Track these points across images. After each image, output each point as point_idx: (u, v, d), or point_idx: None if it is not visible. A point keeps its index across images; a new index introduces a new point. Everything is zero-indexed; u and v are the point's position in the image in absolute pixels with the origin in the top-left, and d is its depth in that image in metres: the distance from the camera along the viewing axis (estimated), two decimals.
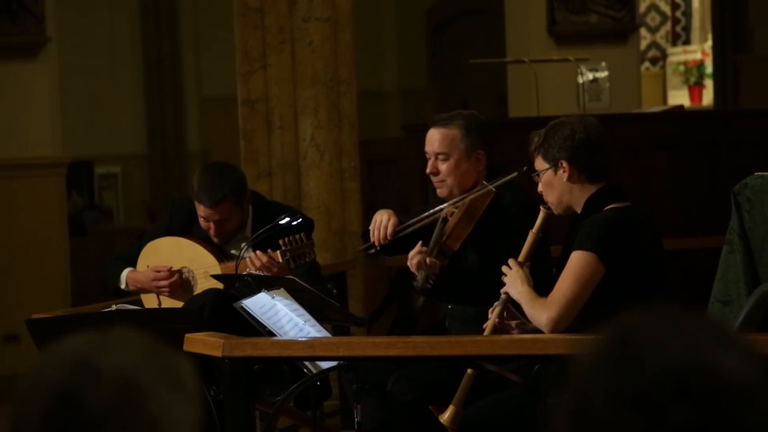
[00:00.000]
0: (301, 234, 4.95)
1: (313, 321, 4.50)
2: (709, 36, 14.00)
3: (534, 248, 4.22)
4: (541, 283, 4.17)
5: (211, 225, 5.10)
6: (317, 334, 4.44)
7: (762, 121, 7.37)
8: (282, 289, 4.58)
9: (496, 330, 4.21)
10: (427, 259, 4.47)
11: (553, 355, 3.85)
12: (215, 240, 5.17)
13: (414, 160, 7.47)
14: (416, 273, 4.50)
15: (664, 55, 15.78)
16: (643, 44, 14.98)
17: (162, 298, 5.24)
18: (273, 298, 4.52)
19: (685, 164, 7.11)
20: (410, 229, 4.65)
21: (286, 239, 4.93)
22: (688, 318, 1.40)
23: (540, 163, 4.26)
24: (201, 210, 5.10)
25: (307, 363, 4.42)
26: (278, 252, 4.94)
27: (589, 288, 4.07)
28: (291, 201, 6.89)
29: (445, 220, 4.59)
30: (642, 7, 14.69)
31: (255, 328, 4.46)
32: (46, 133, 8.37)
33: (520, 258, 4.20)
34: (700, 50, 15.29)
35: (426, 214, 4.65)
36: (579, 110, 7.96)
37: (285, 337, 4.37)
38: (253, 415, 4.31)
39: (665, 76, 15.62)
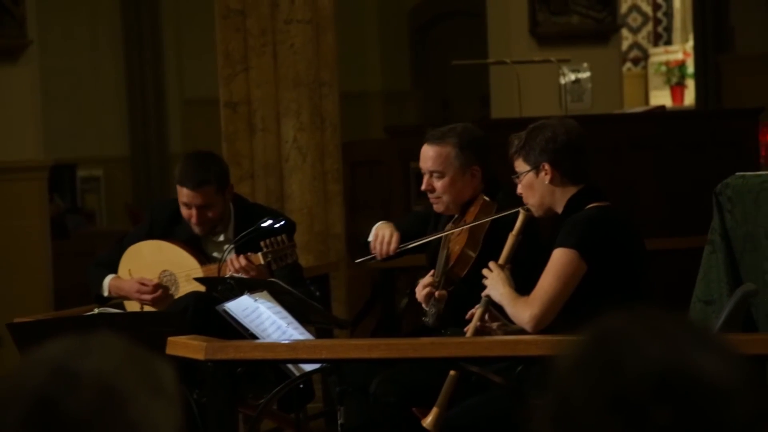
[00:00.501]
0: (283, 236, 4.95)
1: (296, 323, 4.49)
2: (691, 36, 14.04)
3: (514, 250, 4.22)
4: (530, 284, 4.16)
5: (193, 212, 5.09)
6: (300, 337, 4.44)
7: (743, 121, 7.39)
8: (265, 292, 4.57)
9: (478, 333, 4.21)
10: (436, 293, 4.44)
11: (535, 356, 3.86)
12: (197, 230, 5.15)
13: (396, 162, 7.49)
14: (426, 308, 4.46)
15: (645, 56, 15.82)
16: (625, 45, 15.01)
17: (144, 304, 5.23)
18: (255, 300, 4.52)
19: (667, 164, 7.13)
20: (414, 245, 4.65)
21: (268, 241, 4.92)
22: (668, 319, 1.40)
23: (520, 166, 4.27)
24: (183, 195, 5.10)
25: (290, 365, 4.42)
26: (260, 254, 4.93)
27: (571, 285, 4.08)
28: (274, 203, 6.88)
29: (447, 241, 4.53)
30: (623, 7, 14.72)
31: (237, 331, 4.45)
32: (28, 137, 8.35)
33: (501, 260, 4.21)
34: (681, 50, 15.33)
35: (429, 236, 4.63)
36: (561, 111, 7.97)
37: (268, 340, 4.37)
38: (237, 418, 4.31)
39: (647, 76, 15.66)
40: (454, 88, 14.00)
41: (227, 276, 4.87)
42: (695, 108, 13.12)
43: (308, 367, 4.32)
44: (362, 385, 4.47)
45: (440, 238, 4.57)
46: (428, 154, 4.68)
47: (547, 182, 4.22)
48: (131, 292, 5.19)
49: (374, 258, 4.72)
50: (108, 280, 5.24)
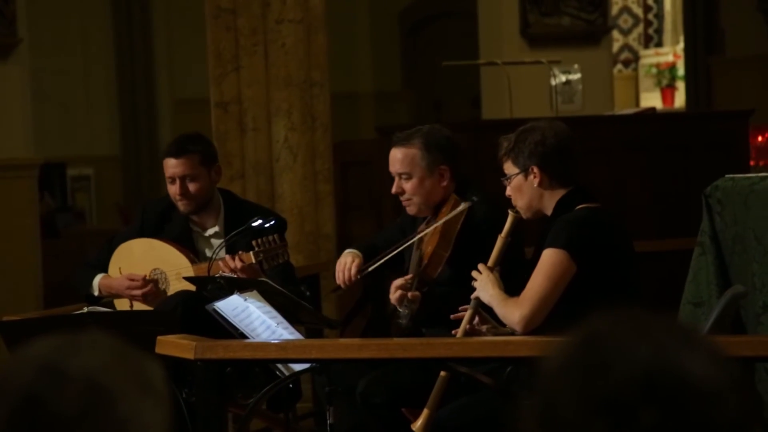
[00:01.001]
0: (274, 235, 4.95)
1: (285, 323, 4.49)
2: (681, 38, 14.06)
3: (503, 253, 4.23)
4: (516, 287, 4.17)
5: (177, 186, 5.11)
6: (290, 337, 4.44)
7: (733, 123, 7.40)
8: (254, 291, 4.57)
9: (468, 335, 4.22)
10: (409, 294, 4.45)
11: (525, 357, 3.86)
12: (182, 207, 5.16)
13: (387, 163, 7.47)
14: (399, 309, 4.47)
15: (636, 58, 15.83)
16: (616, 46, 15.03)
17: (134, 302, 5.23)
18: (245, 300, 4.52)
19: (657, 166, 7.14)
20: (374, 267, 4.65)
21: (259, 240, 4.93)
22: (656, 321, 1.40)
23: (509, 168, 4.27)
24: (168, 167, 5.16)
25: (279, 365, 4.42)
26: (251, 253, 4.93)
27: (561, 285, 4.08)
28: (264, 203, 6.87)
29: (420, 243, 4.56)
30: (614, 9, 14.74)
31: (227, 330, 4.45)
32: (18, 135, 8.34)
33: (490, 263, 4.21)
34: (672, 52, 15.35)
35: (393, 247, 4.64)
36: (552, 112, 7.98)
37: (257, 340, 4.37)
38: (226, 418, 4.31)
39: (637, 78, 15.68)
40: (445, 89, 14.01)
41: (217, 275, 4.86)
42: (685, 110, 13.15)
43: (298, 367, 4.32)
44: (352, 385, 4.47)
45: (409, 248, 4.58)
46: (396, 157, 4.72)
47: (536, 185, 4.22)
48: (121, 289, 5.19)
49: (340, 288, 4.77)
50: (98, 279, 5.24)
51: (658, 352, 1.36)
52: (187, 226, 5.25)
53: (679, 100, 14.82)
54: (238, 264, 4.90)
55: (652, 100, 14.95)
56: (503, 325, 4.25)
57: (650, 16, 15.89)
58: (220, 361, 4.04)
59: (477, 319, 4.24)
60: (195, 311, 4.73)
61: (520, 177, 4.24)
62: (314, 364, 4.15)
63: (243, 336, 4.41)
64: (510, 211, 4.25)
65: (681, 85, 14.56)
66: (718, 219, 4.84)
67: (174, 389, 4.42)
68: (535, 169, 4.21)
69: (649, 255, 6.15)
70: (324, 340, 5.57)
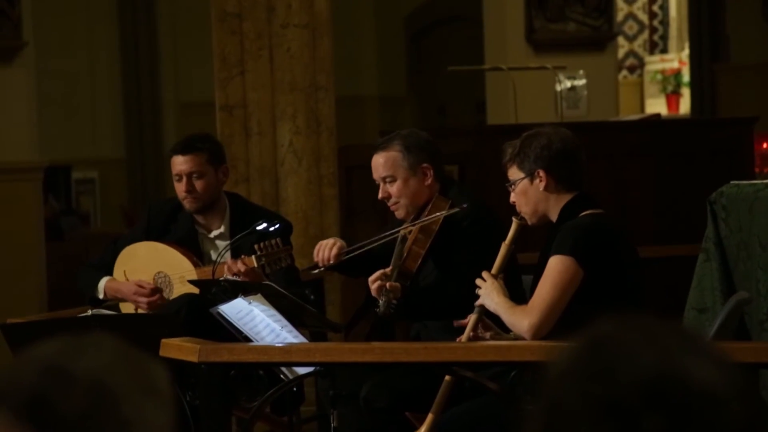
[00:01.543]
0: (277, 239, 4.96)
1: (290, 327, 4.49)
2: (687, 45, 14.05)
3: (508, 260, 4.23)
4: (512, 295, 4.18)
5: (184, 183, 5.12)
6: (294, 340, 4.44)
7: (738, 129, 7.40)
8: (259, 295, 4.57)
9: (471, 341, 4.21)
10: (388, 284, 4.47)
11: (529, 362, 3.86)
12: (188, 206, 5.17)
13: None
14: (378, 299, 4.49)
15: (641, 64, 15.83)
16: (621, 53, 15.02)
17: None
18: (250, 303, 4.52)
19: (662, 172, 7.14)
20: (356, 252, 4.66)
21: (262, 244, 4.93)
22: (661, 326, 1.40)
23: (514, 173, 4.27)
24: (175, 164, 5.17)
25: (283, 368, 4.42)
26: (253, 257, 4.94)
27: (568, 292, 4.08)
28: (269, 207, 6.87)
29: (404, 239, 4.59)
30: (620, 15, 14.74)
31: (231, 333, 4.45)
32: (23, 138, 8.34)
33: (494, 270, 4.20)
34: (677, 59, 15.35)
35: (375, 237, 4.67)
36: (557, 118, 7.98)
37: (262, 343, 4.37)
38: (230, 421, 4.31)
39: (642, 84, 15.68)
40: (449, 94, 14.01)
41: (221, 278, 4.87)
42: (690, 116, 13.13)
43: (302, 371, 4.32)
44: (356, 389, 4.48)
45: (390, 243, 4.61)
46: (378, 162, 4.77)
47: (541, 189, 4.22)
48: (128, 294, 5.19)
49: (316, 265, 4.75)
50: (104, 282, 5.24)
51: (664, 358, 1.36)
52: (193, 228, 5.25)
53: (684, 106, 14.81)
54: (241, 268, 4.90)
55: (657, 106, 14.95)
56: (506, 331, 4.25)
57: (655, 23, 15.89)
58: (224, 364, 4.04)
59: (480, 325, 4.23)
60: (199, 314, 4.73)
61: (526, 182, 4.24)
62: (318, 368, 4.15)
63: (247, 339, 4.41)
64: (514, 218, 4.24)
65: (686, 92, 14.55)
66: (722, 225, 4.84)
67: (178, 392, 4.42)
68: (541, 173, 4.20)
69: (653, 261, 6.14)
70: (328, 343, 5.57)
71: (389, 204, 4.75)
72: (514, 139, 4.34)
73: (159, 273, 5.21)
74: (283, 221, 5.20)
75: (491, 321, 4.25)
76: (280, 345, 4.31)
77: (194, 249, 5.22)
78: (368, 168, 7.94)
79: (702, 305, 4.82)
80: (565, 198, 4.22)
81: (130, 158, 14.68)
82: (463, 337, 4.22)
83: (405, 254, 4.56)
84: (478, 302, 4.19)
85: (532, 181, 4.23)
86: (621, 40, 14.92)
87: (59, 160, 12.40)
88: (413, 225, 4.62)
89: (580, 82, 8.84)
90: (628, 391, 1.34)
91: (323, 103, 7.20)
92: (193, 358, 4.04)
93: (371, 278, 4.51)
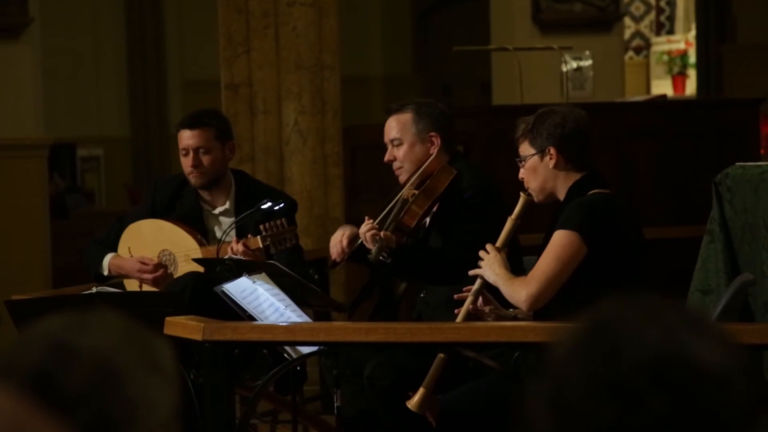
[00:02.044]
0: (282, 219, 4.96)
1: (294, 306, 4.50)
2: (693, 26, 14.02)
3: (512, 234, 4.24)
4: (513, 270, 4.19)
5: (190, 158, 5.12)
6: (298, 319, 4.44)
7: (744, 111, 7.38)
8: (263, 274, 4.57)
9: (470, 315, 4.22)
10: (381, 233, 4.51)
11: (532, 343, 3.86)
12: (194, 181, 5.17)
13: None
14: (371, 247, 4.54)
15: (647, 45, 15.80)
16: (627, 33, 14.99)
17: (144, 284, 5.24)
18: (254, 282, 4.52)
19: (667, 153, 7.13)
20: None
21: (267, 225, 4.93)
22: (665, 307, 1.40)
23: (526, 149, 4.28)
24: (183, 139, 5.17)
25: (287, 348, 4.42)
26: (258, 237, 4.94)
27: (570, 266, 4.08)
28: (274, 186, 6.88)
29: (406, 201, 4.64)
30: None
31: (235, 312, 4.45)
32: (28, 115, 8.34)
33: (498, 243, 4.22)
34: (683, 40, 15.31)
35: (386, 209, 4.69)
36: (562, 99, 7.97)
37: (266, 322, 4.37)
38: (233, 399, 4.31)
39: (649, 65, 15.65)
40: (455, 74, 13.99)
41: (226, 257, 4.87)
42: (696, 98, 13.11)
43: (306, 350, 4.33)
44: (360, 368, 4.48)
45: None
46: (390, 125, 4.81)
47: (551, 166, 4.23)
48: (132, 271, 5.20)
49: (336, 263, 4.79)
50: (108, 258, 5.24)
51: (668, 338, 1.36)
52: (198, 204, 5.26)
53: (690, 87, 14.79)
54: (240, 249, 4.91)
55: (663, 87, 14.92)
56: (506, 306, 4.26)
57: (662, 4, 15.85)
58: (228, 342, 4.04)
59: (480, 299, 4.24)
60: (203, 293, 4.74)
61: (536, 158, 4.25)
62: (322, 347, 4.16)
63: (251, 318, 4.42)
64: (522, 194, 4.26)
65: (692, 73, 14.52)
66: (727, 207, 4.83)
67: (182, 370, 4.43)
68: (552, 150, 4.21)
69: (658, 242, 6.13)
70: (332, 323, 5.58)
71: (393, 167, 4.78)
72: (526, 116, 4.35)
73: (164, 251, 5.21)
74: (288, 199, 5.20)
75: (491, 296, 4.26)
76: (284, 324, 4.32)
77: (198, 226, 5.22)
78: (373, 148, 7.94)
79: (706, 287, 4.82)
80: (574, 177, 4.23)
81: (135, 136, 14.68)
82: (463, 309, 4.23)
83: (404, 211, 4.60)
84: (477, 272, 4.19)
85: (542, 158, 4.23)
86: (627, 20, 14.88)
87: (64, 137, 12.40)
88: (416, 189, 4.64)
89: (586, 62, 8.82)
90: (632, 372, 1.34)
91: (329, 83, 7.19)
92: (198, 337, 4.04)
93: (362, 228, 4.56)
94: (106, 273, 5.25)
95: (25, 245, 8.24)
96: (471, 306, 4.22)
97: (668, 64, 15.33)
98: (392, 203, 4.68)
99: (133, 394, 1.40)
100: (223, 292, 4.48)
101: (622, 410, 1.33)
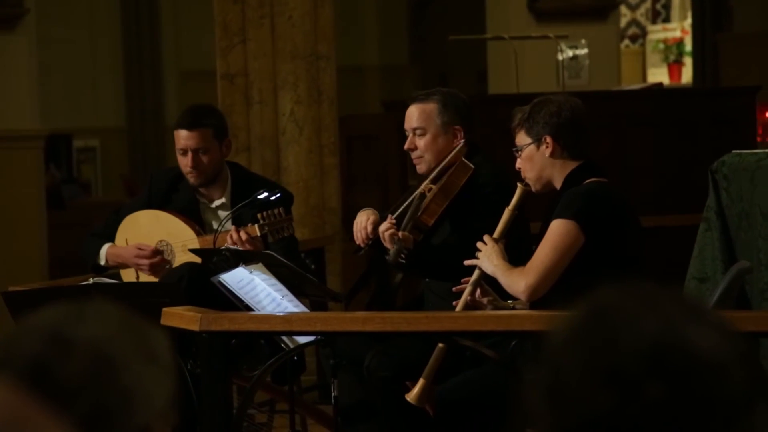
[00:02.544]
0: (280, 209, 4.96)
1: (290, 296, 4.50)
2: (689, 14, 14.02)
3: (510, 225, 4.23)
4: (520, 261, 4.18)
5: (189, 158, 5.12)
6: (295, 309, 4.44)
7: (740, 99, 7.39)
8: (260, 264, 4.57)
9: (469, 307, 4.22)
10: (400, 233, 4.47)
11: (530, 331, 3.86)
12: (192, 180, 5.17)
13: (393, 136, 7.47)
14: (389, 247, 4.50)
15: (643, 33, 15.79)
16: (623, 22, 14.98)
17: (140, 273, 5.24)
18: (251, 272, 4.52)
19: (664, 142, 7.13)
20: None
21: (264, 213, 4.93)
22: (663, 294, 1.40)
23: (522, 138, 4.28)
24: (180, 139, 5.15)
25: (284, 338, 4.43)
26: (256, 226, 4.94)
27: (568, 255, 4.08)
28: (270, 176, 6.87)
29: (423, 196, 4.59)
30: None
31: (232, 302, 4.45)
32: (24, 106, 8.33)
33: (496, 234, 4.21)
34: (679, 28, 15.31)
35: (404, 204, 4.65)
36: (558, 87, 7.97)
37: (263, 312, 4.37)
38: (230, 390, 4.31)
39: (645, 53, 15.64)
40: (451, 63, 13.98)
41: (223, 247, 4.87)
42: (692, 86, 13.12)
43: (302, 340, 4.33)
44: (357, 358, 4.48)
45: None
46: (412, 113, 4.74)
47: (547, 155, 4.23)
48: (129, 258, 5.20)
49: (360, 247, 4.73)
50: (105, 248, 5.25)
51: (665, 325, 1.36)
52: (194, 197, 5.26)
53: (686, 75, 14.79)
54: (243, 236, 4.90)
55: (659, 75, 14.92)
56: (505, 297, 4.26)
57: None
58: (225, 333, 4.04)
59: (479, 290, 4.24)
60: (200, 283, 4.73)
61: (532, 147, 4.24)
62: (319, 337, 4.16)
63: (248, 308, 4.42)
64: (519, 184, 4.25)
65: (688, 61, 14.52)
66: (724, 195, 4.83)
67: (179, 361, 4.43)
68: (548, 139, 4.21)
69: (654, 230, 6.14)
70: (329, 313, 5.58)
71: (413, 156, 4.74)
72: (522, 106, 4.34)
73: (161, 241, 5.21)
74: (284, 191, 5.20)
75: (490, 288, 4.26)
76: (281, 314, 4.32)
77: (195, 218, 5.22)
78: (369, 138, 7.94)
79: (703, 275, 4.82)
80: (571, 166, 4.23)
81: (131, 127, 14.67)
82: (461, 300, 4.23)
83: (422, 209, 4.55)
84: (475, 262, 4.19)
85: (538, 147, 4.23)
86: (623, 9, 14.87)
87: (60, 128, 12.40)
88: (434, 184, 4.61)
89: (582, 51, 8.81)
90: (629, 360, 1.34)
91: (324, 72, 7.18)
92: (195, 327, 4.04)
93: (382, 227, 4.51)
94: (103, 263, 5.25)
95: (22, 236, 8.24)
96: (469, 297, 4.22)
97: (664, 53, 15.33)
98: (410, 199, 4.63)
99: (129, 385, 1.40)
100: (220, 283, 4.48)
101: (619, 398, 1.33)
